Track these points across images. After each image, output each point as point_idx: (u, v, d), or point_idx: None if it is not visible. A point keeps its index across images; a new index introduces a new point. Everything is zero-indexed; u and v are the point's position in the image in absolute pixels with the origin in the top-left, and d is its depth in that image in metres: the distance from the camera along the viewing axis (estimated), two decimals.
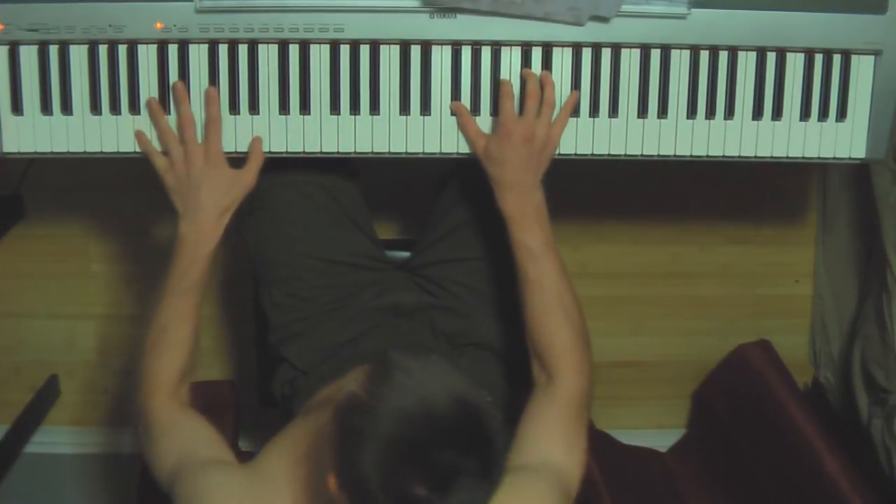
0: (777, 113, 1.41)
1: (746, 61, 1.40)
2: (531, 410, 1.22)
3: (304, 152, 1.39)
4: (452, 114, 1.38)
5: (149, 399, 1.27)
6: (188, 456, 1.17)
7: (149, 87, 1.37)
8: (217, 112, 1.34)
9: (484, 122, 1.38)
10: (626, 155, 1.42)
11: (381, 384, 0.93)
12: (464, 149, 1.38)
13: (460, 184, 1.50)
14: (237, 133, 1.38)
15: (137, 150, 1.38)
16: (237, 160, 1.36)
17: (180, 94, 1.33)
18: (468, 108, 1.38)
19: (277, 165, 1.49)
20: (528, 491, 1.12)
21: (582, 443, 1.21)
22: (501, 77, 1.37)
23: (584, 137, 1.40)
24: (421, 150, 1.39)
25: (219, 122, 1.33)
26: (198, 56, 1.37)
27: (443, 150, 1.39)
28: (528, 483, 1.13)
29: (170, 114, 1.36)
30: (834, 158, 1.44)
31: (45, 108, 1.37)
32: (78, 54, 1.36)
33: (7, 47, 1.36)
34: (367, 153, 1.39)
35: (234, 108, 1.37)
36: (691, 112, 1.40)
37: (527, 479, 1.14)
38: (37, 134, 1.38)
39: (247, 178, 1.34)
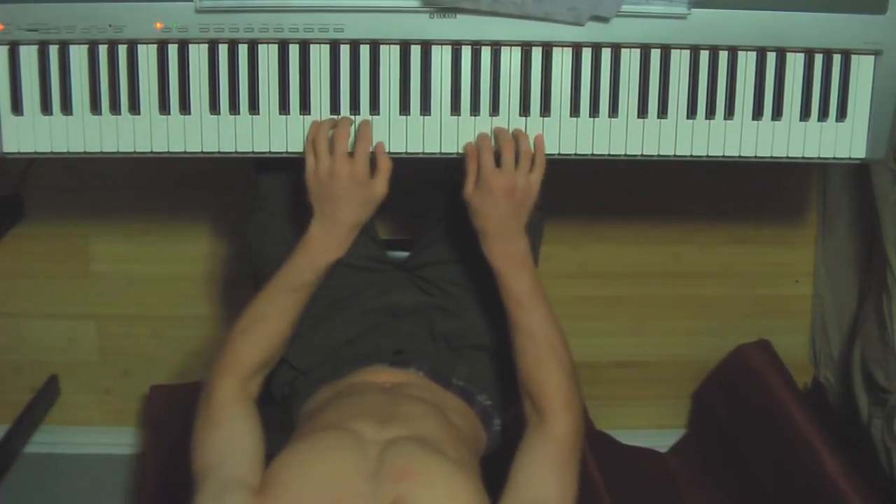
0: (777, 113, 1.41)
1: (746, 61, 1.40)
2: (524, 450, 1.24)
3: (303, 153, 1.38)
4: (452, 114, 1.38)
5: (221, 378, 1.26)
6: (222, 463, 1.16)
7: (149, 87, 1.37)
8: (369, 132, 1.34)
9: (484, 122, 1.38)
10: (626, 155, 1.42)
11: None
12: (464, 145, 1.38)
13: (458, 184, 1.50)
14: (237, 133, 1.38)
15: (137, 150, 1.38)
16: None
17: (348, 120, 1.35)
18: (468, 108, 1.37)
19: (279, 165, 1.49)
20: None
21: (574, 481, 1.22)
22: (501, 79, 1.37)
23: (584, 137, 1.40)
24: (421, 150, 1.39)
25: (369, 142, 1.34)
26: (198, 56, 1.37)
27: (443, 151, 1.39)
28: None
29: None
30: (834, 158, 1.44)
31: (45, 108, 1.37)
32: (78, 54, 1.36)
33: (7, 47, 1.36)
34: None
35: (233, 108, 1.37)
36: (691, 112, 1.40)
37: None
38: (37, 134, 1.38)
39: (380, 190, 1.33)
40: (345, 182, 1.31)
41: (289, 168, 1.49)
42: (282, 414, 1.52)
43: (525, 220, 1.33)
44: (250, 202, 1.55)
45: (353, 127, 1.35)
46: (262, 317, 1.32)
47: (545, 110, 1.39)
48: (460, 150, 1.38)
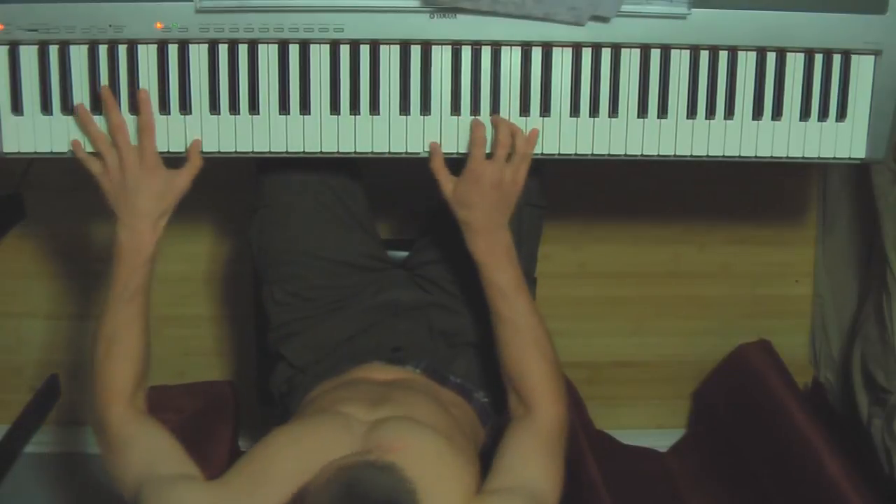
0: (777, 113, 1.41)
1: (746, 61, 1.40)
2: (509, 440, 1.24)
3: (304, 152, 1.39)
4: (452, 114, 1.38)
5: (106, 410, 1.26)
6: (149, 471, 1.16)
7: (149, 87, 1.36)
8: (149, 116, 1.33)
9: (483, 122, 1.38)
10: (626, 155, 1.41)
11: (323, 486, 1.02)
12: (463, 149, 1.38)
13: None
14: (237, 133, 1.38)
15: None
16: (173, 160, 1.36)
17: (109, 101, 1.32)
18: (468, 108, 1.38)
19: (282, 165, 1.49)
20: None
21: (560, 469, 1.23)
22: (501, 79, 1.37)
23: (584, 137, 1.40)
24: (421, 150, 1.39)
25: (152, 127, 1.33)
26: (198, 56, 1.37)
27: (442, 151, 1.39)
28: (506, 503, 1.15)
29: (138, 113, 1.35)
30: (834, 158, 1.44)
31: (45, 108, 1.37)
32: (78, 54, 1.36)
33: (7, 47, 1.35)
34: (367, 153, 1.39)
35: (233, 108, 1.37)
36: (691, 112, 1.40)
37: (505, 499, 1.15)
38: (37, 134, 1.38)
39: (181, 183, 1.32)
40: (135, 170, 1.30)
41: (290, 168, 1.50)
42: (280, 413, 1.52)
43: (509, 214, 1.34)
44: (251, 201, 1.55)
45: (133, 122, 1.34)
46: (113, 338, 1.30)
47: (545, 110, 1.39)
48: (460, 151, 1.38)
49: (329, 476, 1.02)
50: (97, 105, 1.36)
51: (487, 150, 1.35)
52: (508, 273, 1.32)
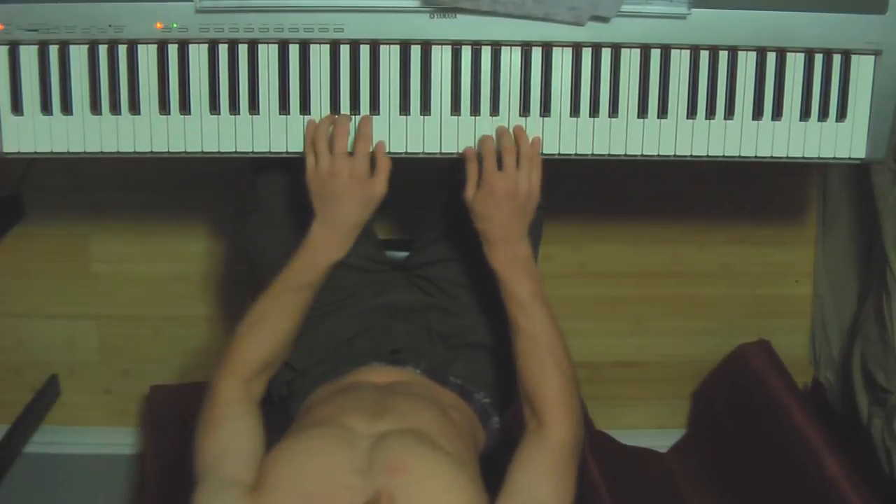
0: (777, 113, 1.41)
1: (746, 61, 1.40)
2: (521, 455, 1.23)
3: (304, 152, 1.38)
4: (452, 114, 1.38)
5: (223, 379, 1.27)
6: (221, 461, 1.17)
7: (149, 87, 1.37)
8: (369, 131, 1.34)
9: (484, 122, 1.38)
10: (626, 155, 1.41)
11: None
12: (463, 149, 1.38)
13: (459, 184, 1.50)
14: (237, 133, 1.38)
15: (137, 150, 1.38)
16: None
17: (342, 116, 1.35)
18: (468, 108, 1.37)
19: (275, 165, 1.49)
20: None
21: (571, 487, 1.22)
22: (501, 79, 1.37)
23: (584, 137, 1.40)
24: (421, 150, 1.39)
25: (369, 140, 1.34)
26: (198, 56, 1.37)
27: (443, 151, 1.39)
28: None
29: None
30: (834, 158, 1.44)
31: (45, 108, 1.37)
32: (78, 54, 1.36)
33: (7, 47, 1.36)
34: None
35: (233, 108, 1.37)
36: (691, 112, 1.40)
37: None
38: (37, 134, 1.38)
39: (380, 189, 1.32)
40: (345, 181, 1.30)
41: (285, 168, 1.49)
42: (281, 415, 1.52)
43: (528, 224, 1.33)
44: (248, 202, 1.55)
45: (352, 125, 1.35)
46: (264, 317, 1.31)
47: (545, 110, 1.39)
48: (460, 151, 1.38)
49: None
50: (96, 105, 1.36)
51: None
52: (527, 285, 1.31)
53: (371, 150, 1.34)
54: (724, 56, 1.39)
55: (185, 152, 1.38)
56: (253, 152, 1.39)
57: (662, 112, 1.40)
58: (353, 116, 1.37)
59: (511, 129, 1.37)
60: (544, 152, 1.39)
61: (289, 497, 1.10)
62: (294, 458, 1.17)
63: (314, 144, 1.32)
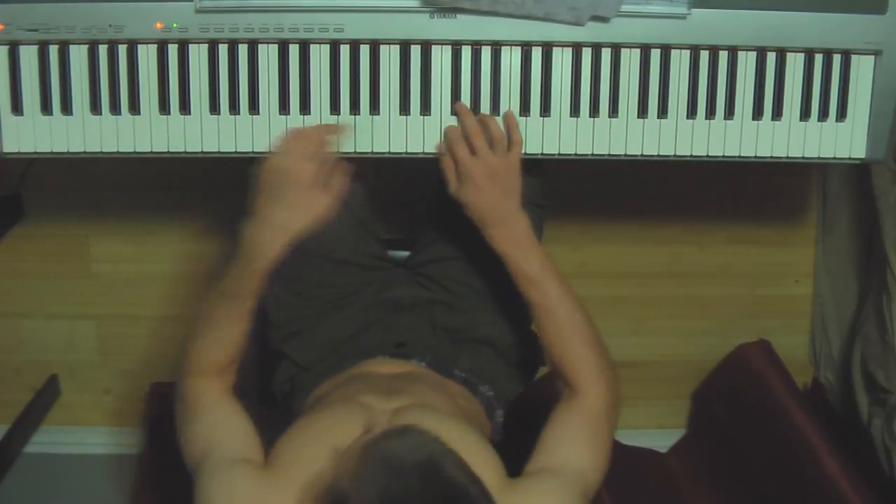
0: (777, 113, 1.41)
1: (746, 61, 1.40)
2: (555, 419, 1.23)
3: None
4: (452, 114, 1.38)
5: (191, 378, 1.26)
6: (216, 446, 1.16)
7: (149, 87, 1.37)
8: (330, 139, 1.32)
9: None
10: (626, 155, 1.42)
11: (356, 474, 0.95)
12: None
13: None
14: (237, 133, 1.38)
15: (138, 150, 1.38)
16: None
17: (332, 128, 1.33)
18: (468, 107, 1.38)
19: None
20: (546, 492, 1.13)
21: (606, 451, 1.22)
22: (501, 79, 1.38)
23: (584, 137, 1.40)
24: (421, 150, 1.39)
25: (328, 150, 1.30)
26: (198, 56, 1.37)
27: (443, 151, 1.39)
28: (547, 485, 1.14)
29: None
30: (834, 158, 1.44)
31: (45, 108, 1.37)
32: (78, 54, 1.36)
33: (7, 47, 1.36)
34: (367, 153, 1.39)
35: (233, 108, 1.38)
36: (691, 112, 1.40)
37: (546, 480, 1.14)
38: (37, 134, 1.38)
39: (323, 204, 1.27)
40: (304, 182, 1.25)
41: None
42: (283, 412, 1.52)
43: (518, 199, 1.32)
44: (247, 202, 1.55)
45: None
46: (213, 322, 1.28)
47: (545, 110, 1.39)
48: None
49: (355, 464, 0.97)
50: (96, 105, 1.36)
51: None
52: (532, 259, 1.30)
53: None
54: (724, 56, 1.39)
55: (185, 152, 1.39)
56: (253, 152, 1.39)
57: (662, 112, 1.40)
58: (348, 122, 1.36)
59: (478, 117, 1.35)
60: (544, 152, 1.39)
61: (307, 468, 1.09)
62: (313, 431, 1.16)
63: (289, 141, 1.29)
